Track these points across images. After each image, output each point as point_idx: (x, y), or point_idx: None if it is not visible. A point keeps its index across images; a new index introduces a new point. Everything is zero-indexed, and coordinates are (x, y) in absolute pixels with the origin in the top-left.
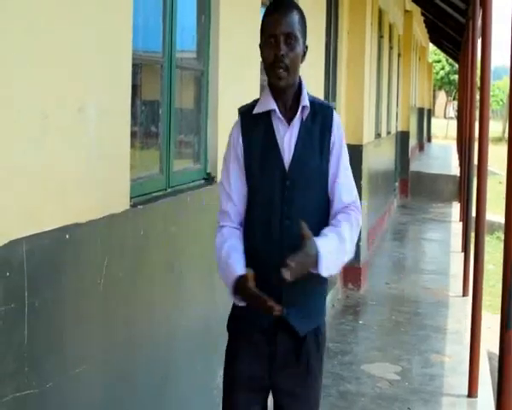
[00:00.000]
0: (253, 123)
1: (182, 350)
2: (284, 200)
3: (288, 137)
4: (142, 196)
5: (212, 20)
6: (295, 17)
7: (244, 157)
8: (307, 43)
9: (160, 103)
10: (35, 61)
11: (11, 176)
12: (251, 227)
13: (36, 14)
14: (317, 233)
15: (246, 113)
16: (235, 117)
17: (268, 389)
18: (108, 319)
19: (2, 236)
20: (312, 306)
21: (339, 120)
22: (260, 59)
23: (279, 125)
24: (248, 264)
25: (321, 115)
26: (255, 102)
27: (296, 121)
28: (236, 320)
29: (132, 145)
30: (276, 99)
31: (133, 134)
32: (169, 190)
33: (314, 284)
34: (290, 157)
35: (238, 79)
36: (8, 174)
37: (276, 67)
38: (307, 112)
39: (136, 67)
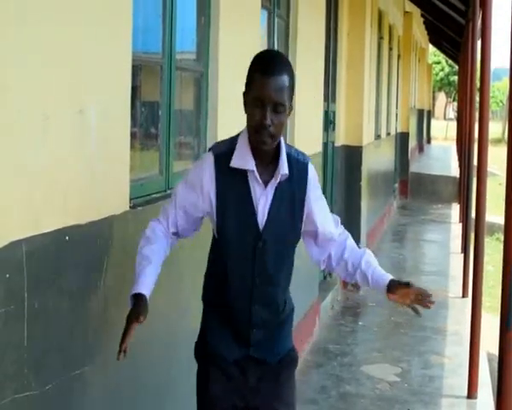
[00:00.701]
0: (228, 173)
1: (183, 351)
2: (255, 258)
3: (263, 200)
4: (141, 198)
5: (212, 21)
6: (286, 82)
7: (216, 204)
8: (292, 102)
9: (159, 105)
10: (36, 63)
11: (11, 177)
12: (224, 279)
13: (36, 15)
14: (284, 283)
15: (221, 159)
16: (235, 118)
17: None
18: (108, 321)
19: (2, 237)
20: (282, 336)
21: (314, 173)
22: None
23: (255, 185)
24: (218, 311)
25: (296, 172)
26: (231, 145)
27: (272, 184)
28: (206, 350)
29: (132, 146)
30: (255, 157)
31: (133, 135)
32: (169, 191)
33: (283, 318)
34: (264, 220)
35: (238, 81)
36: (8, 175)
37: (261, 134)
38: (284, 177)
39: (136, 69)
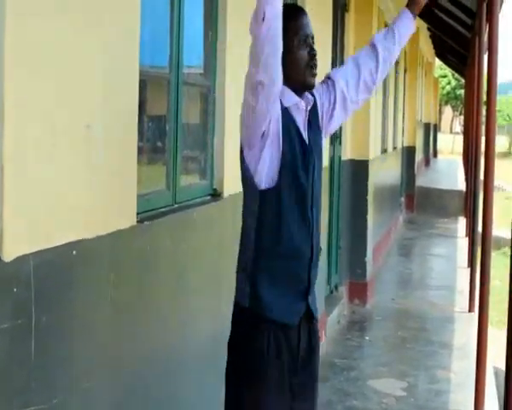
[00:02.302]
0: (282, 113)
1: (191, 364)
2: (312, 186)
3: (303, 129)
4: (148, 212)
5: (219, 36)
6: None
7: (283, 140)
8: None
9: (166, 119)
10: (44, 77)
11: (19, 191)
12: (282, 221)
13: (44, 32)
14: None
15: None
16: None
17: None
18: (116, 335)
19: (10, 252)
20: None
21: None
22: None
23: (298, 117)
24: (279, 264)
25: (311, 98)
26: None
27: (305, 113)
28: (262, 316)
29: (139, 161)
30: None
31: (140, 150)
32: (175, 205)
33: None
34: (310, 148)
35: None
36: (15, 189)
37: (313, 67)
38: (310, 104)
39: (143, 83)
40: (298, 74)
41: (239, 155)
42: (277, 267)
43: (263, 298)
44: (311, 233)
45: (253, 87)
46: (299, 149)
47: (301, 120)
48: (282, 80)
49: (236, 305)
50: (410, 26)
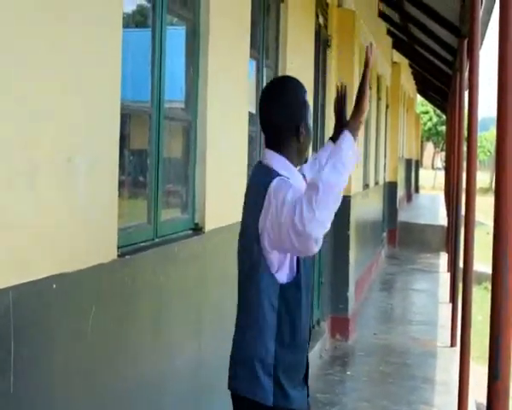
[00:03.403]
0: None
1: (170, 400)
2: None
3: None
4: (129, 246)
5: (201, 71)
6: None
7: None
8: None
9: (148, 153)
10: (23, 113)
11: None
12: (298, 309)
13: (26, 69)
14: None
15: None
16: (223, 167)
17: None
18: (96, 369)
19: None
20: None
21: None
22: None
23: None
24: (295, 357)
25: None
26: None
27: None
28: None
29: (120, 195)
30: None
31: (121, 184)
32: (157, 240)
33: None
34: None
35: (226, 131)
36: None
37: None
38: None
39: (125, 117)
40: (302, 150)
41: (247, 247)
42: (293, 362)
43: (290, 395)
44: (309, 316)
45: (307, 238)
46: None
47: None
48: (292, 157)
49: (252, 402)
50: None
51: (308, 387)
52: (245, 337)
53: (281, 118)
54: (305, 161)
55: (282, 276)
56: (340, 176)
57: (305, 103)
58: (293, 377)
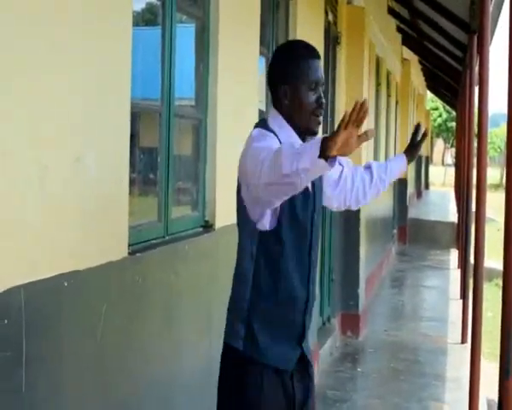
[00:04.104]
0: None
1: (180, 399)
2: (312, 232)
3: None
4: (140, 244)
5: (211, 68)
6: None
7: None
8: None
9: (158, 151)
10: (33, 112)
11: (10, 224)
12: (282, 267)
13: (35, 69)
14: None
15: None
16: (233, 164)
17: None
18: (106, 367)
19: (1, 283)
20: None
21: None
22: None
23: None
24: (276, 310)
25: None
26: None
27: None
28: (258, 358)
29: (131, 192)
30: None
31: (132, 181)
32: (167, 237)
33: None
34: (311, 191)
35: (236, 128)
36: (7, 222)
37: (318, 114)
38: None
39: (135, 116)
40: (302, 119)
41: (236, 193)
42: (274, 313)
43: (259, 343)
44: (308, 279)
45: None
46: (302, 193)
47: None
48: (287, 118)
49: (227, 346)
50: (402, 167)
51: (303, 349)
52: (232, 286)
53: (269, 76)
54: (313, 134)
55: (265, 224)
56: (289, 164)
57: (298, 66)
58: (273, 332)
